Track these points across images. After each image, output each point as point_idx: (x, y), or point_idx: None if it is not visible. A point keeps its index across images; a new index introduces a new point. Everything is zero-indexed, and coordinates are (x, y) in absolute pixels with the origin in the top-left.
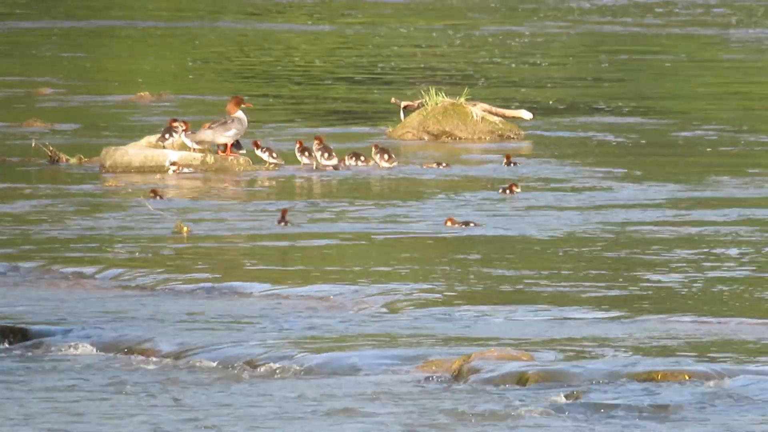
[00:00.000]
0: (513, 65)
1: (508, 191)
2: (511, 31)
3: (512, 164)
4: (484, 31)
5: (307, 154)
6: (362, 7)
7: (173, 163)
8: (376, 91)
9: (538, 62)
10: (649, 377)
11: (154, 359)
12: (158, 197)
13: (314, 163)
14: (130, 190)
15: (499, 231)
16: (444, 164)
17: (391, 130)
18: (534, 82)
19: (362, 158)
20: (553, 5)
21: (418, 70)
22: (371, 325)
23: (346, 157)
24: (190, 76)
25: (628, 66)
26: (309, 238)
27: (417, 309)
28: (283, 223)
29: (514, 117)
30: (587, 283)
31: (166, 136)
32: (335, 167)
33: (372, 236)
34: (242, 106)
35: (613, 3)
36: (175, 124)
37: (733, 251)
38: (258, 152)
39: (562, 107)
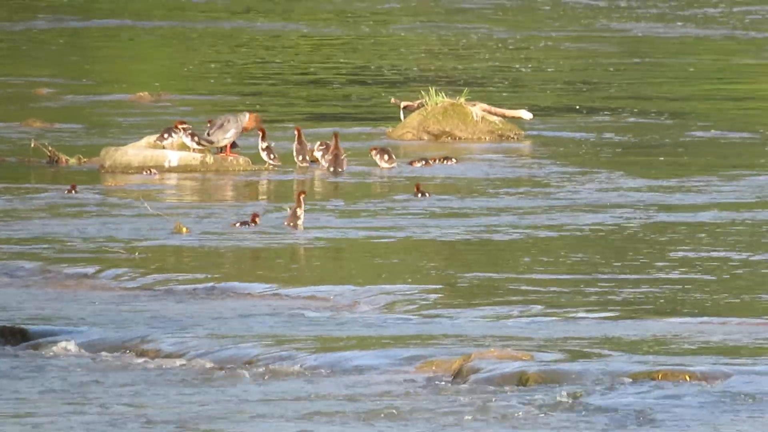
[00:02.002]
0: (520, 67)
1: (420, 194)
2: (524, 34)
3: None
4: (496, 33)
5: (301, 157)
6: (369, 6)
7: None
8: (384, 93)
9: (551, 65)
10: (649, 377)
11: (154, 359)
12: (74, 191)
13: (303, 165)
14: (127, 190)
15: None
16: (431, 160)
17: (390, 130)
18: (541, 83)
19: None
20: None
21: (422, 70)
22: (371, 325)
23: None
24: (207, 77)
25: (639, 68)
26: (308, 238)
27: (416, 309)
28: (251, 224)
29: (514, 117)
30: (587, 284)
31: (165, 136)
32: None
33: (371, 237)
34: (254, 125)
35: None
36: (180, 126)
37: (733, 251)
38: (258, 150)
39: (564, 108)
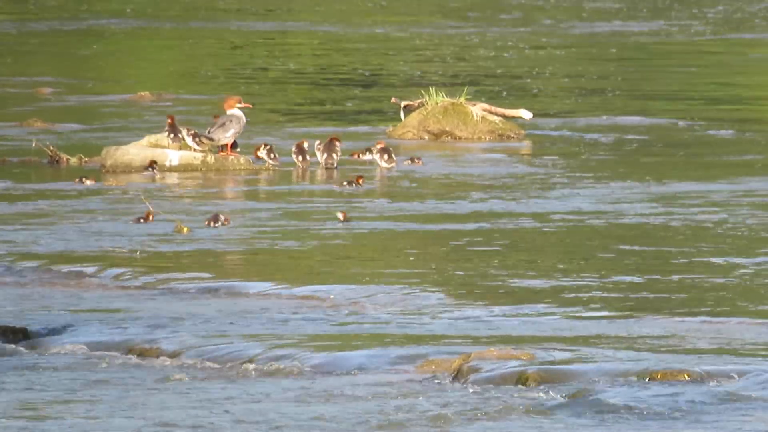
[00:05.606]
0: (522, 66)
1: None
2: (526, 31)
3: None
4: (497, 33)
5: (301, 157)
6: (370, 5)
7: (152, 163)
8: (395, 97)
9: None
10: (649, 377)
11: (154, 358)
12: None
13: (304, 164)
14: (130, 193)
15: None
16: (417, 159)
17: (391, 129)
18: (541, 82)
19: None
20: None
21: (422, 70)
22: (370, 324)
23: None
24: (208, 77)
25: (642, 68)
26: (307, 238)
27: (416, 308)
28: (215, 224)
29: (514, 116)
30: (587, 283)
31: (175, 133)
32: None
33: (370, 235)
34: (239, 105)
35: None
36: (171, 123)
37: (734, 252)
38: (257, 152)
39: (565, 108)
